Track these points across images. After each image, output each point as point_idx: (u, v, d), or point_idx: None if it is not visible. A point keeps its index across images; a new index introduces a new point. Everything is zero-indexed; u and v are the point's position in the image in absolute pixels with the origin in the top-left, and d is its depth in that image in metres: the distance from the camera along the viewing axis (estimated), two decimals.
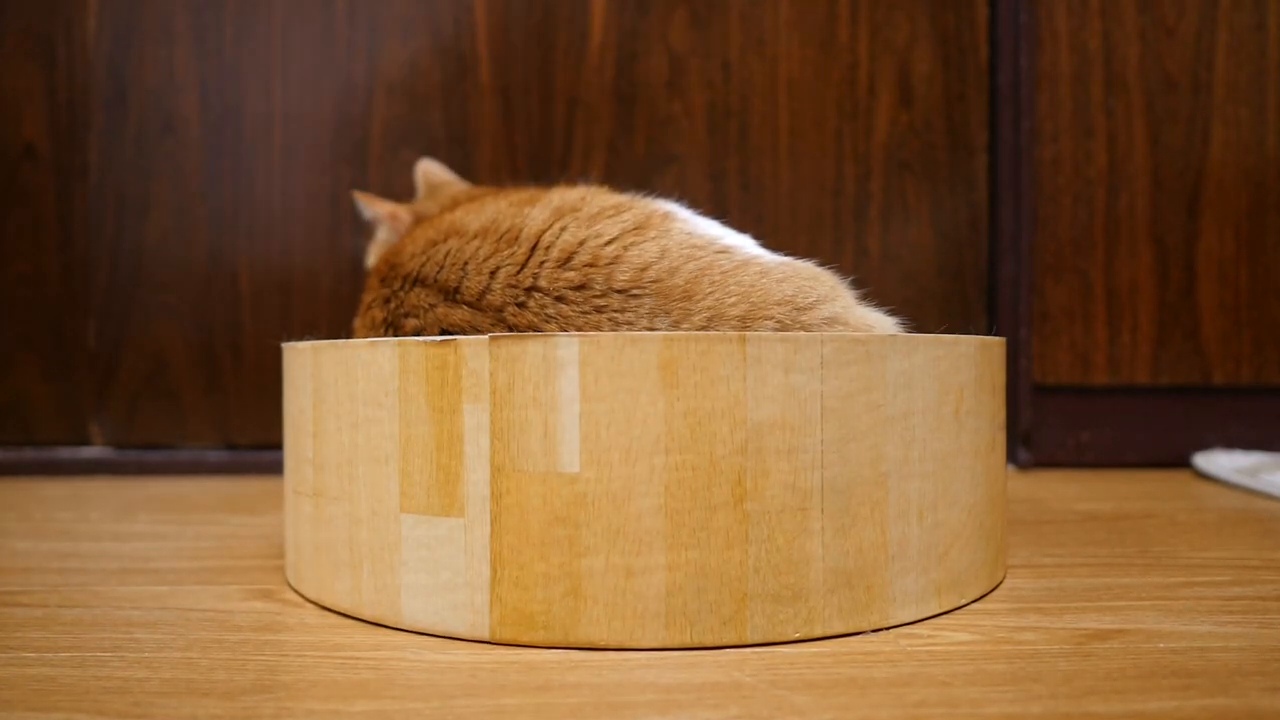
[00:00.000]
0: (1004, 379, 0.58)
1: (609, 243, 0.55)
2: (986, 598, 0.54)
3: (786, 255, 0.59)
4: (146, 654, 0.44)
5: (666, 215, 0.58)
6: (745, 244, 0.59)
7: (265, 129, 1.14)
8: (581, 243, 0.55)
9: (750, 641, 0.45)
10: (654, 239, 0.55)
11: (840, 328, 0.53)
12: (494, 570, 0.45)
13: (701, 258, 0.54)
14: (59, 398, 1.12)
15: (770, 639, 0.45)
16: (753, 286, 0.53)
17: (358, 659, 0.44)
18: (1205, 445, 1.15)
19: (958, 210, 1.18)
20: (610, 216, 0.57)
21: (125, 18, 1.12)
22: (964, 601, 0.52)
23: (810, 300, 0.53)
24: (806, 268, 0.57)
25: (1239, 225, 1.15)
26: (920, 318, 1.15)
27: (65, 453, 1.12)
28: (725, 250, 0.55)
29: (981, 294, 1.19)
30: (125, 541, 0.71)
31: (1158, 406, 1.16)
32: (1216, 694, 0.39)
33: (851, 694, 0.39)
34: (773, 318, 0.52)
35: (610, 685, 0.40)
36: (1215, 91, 1.14)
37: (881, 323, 0.58)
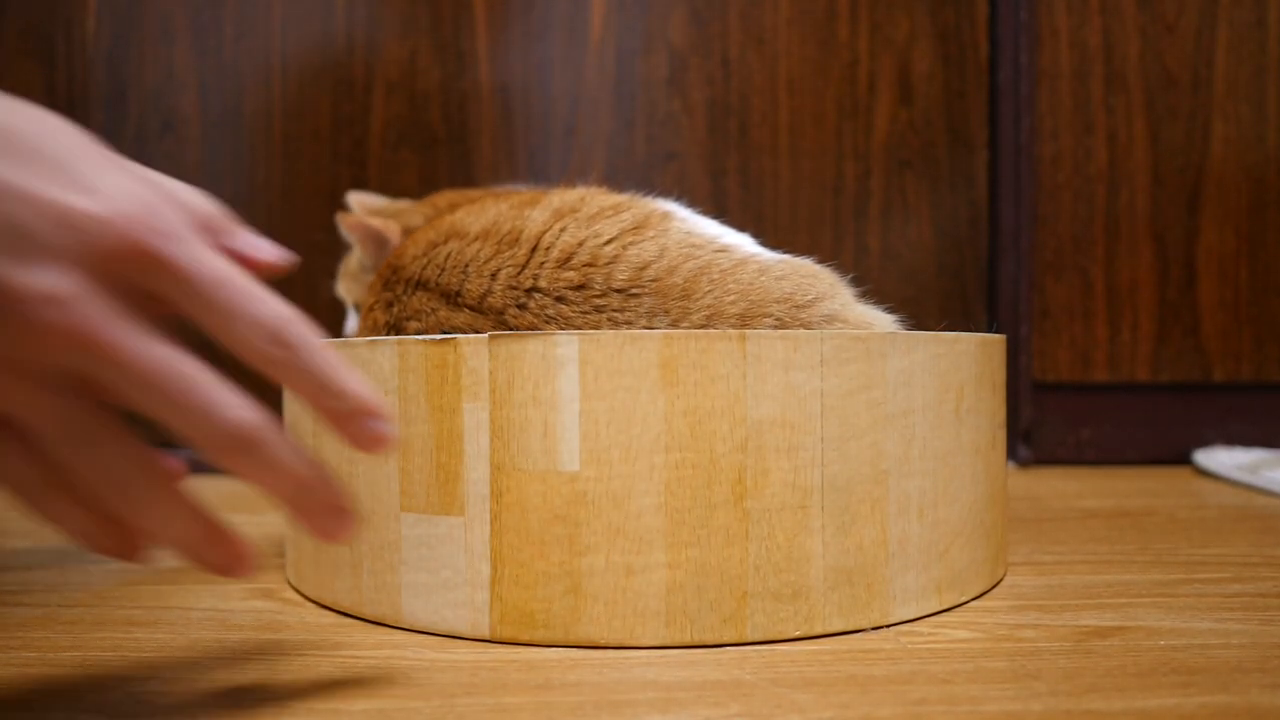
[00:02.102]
0: (1004, 377, 0.58)
1: (608, 242, 0.55)
2: (987, 595, 0.54)
3: (786, 253, 0.59)
4: (146, 654, 0.44)
5: (665, 214, 0.58)
6: (743, 242, 0.59)
7: (265, 128, 1.14)
8: (581, 243, 0.55)
9: (750, 640, 0.45)
10: (653, 238, 0.55)
11: (839, 325, 0.53)
12: (494, 569, 0.45)
13: (700, 256, 0.54)
14: None
15: (770, 637, 0.45)
16: (751, 284, 0.53)
17: (358, 658, 0.44)
18: (1206, 442, 1.15)
19: (958, 208, 1.18)
20: (609, 216, 0.57)
21: (125, 16, 1.12)
22: (965, 599, 0.52)
23: (809, 298, 0.53)
24: (805, 265, 0.57)
25: (1239, 222, 1.15)
26: (920, 315, 1.15)
27: None
28: (724, 249, 0.55)
29: (982, 291, 1.19)
30: None
31: (1158, 403, 1.16)
32: (1217, 691, 0.39)
33: (852, 691, 0.39)
34: (772, 315, 0.52)
35: (611, 683, 0.40)
36: (1215, 88, 1.14)
37: (880, 320, 0.58)
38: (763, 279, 0.53)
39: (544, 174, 1.15)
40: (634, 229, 0.56)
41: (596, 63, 1.16)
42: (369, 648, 0.45)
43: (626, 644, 0.44)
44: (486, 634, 0.45)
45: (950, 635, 0.47)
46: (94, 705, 0.38)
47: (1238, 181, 1.15)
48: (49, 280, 0.28)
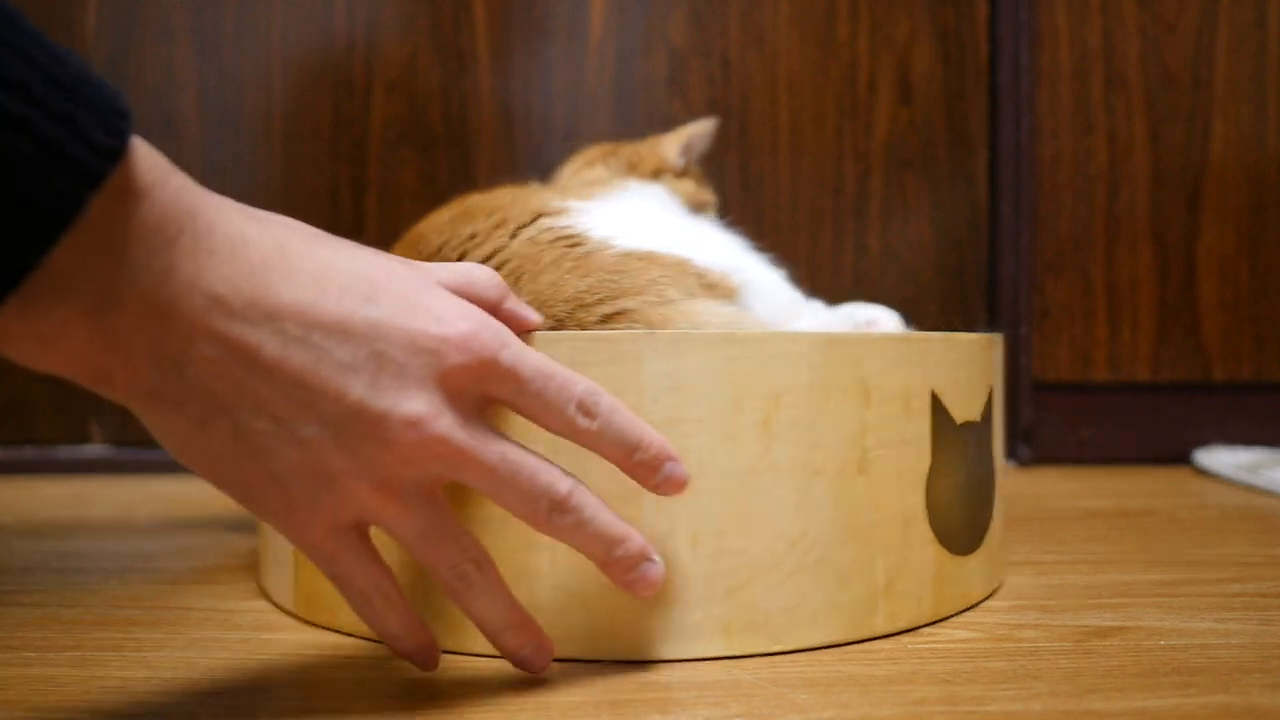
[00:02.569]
0: (915, 382, 0.47)
1: (463, 242, 0.54)
2: (989, 596, 0.54)
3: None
4: (146, 654, 0.44)
5: (537, 212, 0.55)
6: (632, 239, 0.54)
7: (265, 128, 1.14)
8: (442, 245, 0.54)
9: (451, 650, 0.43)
10: (499, 237, 0.53)
11: (627, 325, 0.49)
12: (294, 554, 0.49)
13: (529, 254, 0.52)
14: (58, 396, 1.12)
15: (482, 652, 0.42)
16: (551, 284, 0.50)
17: (357, 658, 0.44)
18: (1206, 442, 1.15)
19: (958, 208, 1.18)
20: (485, 216, 0.55)
21: (125, 16, 1.12)
22: (780, 648, 0.44)
23: (599, 297, 0.50)
24: (633, 260, 0.52)
25: (1239, 222, 1.15)
26: (920, 315, 1.15)
27: (65, 451, 1.12)
28: (575, 244, 0.52)
29: (982, 291, 1.19)
30: (125, 541, 0.71)
31: (1158, 403, 1.16)
32: (1217, 691, 0.39)
33: (852, 691, 0.39)
34: (554, 316, 0.49)
35: (610, 683, 0.40)
36: (1216, 88, 1.14)
37: (733, 323, 0.51)
38: (567, 278, 0.50)
39: (544, 174, 1.15)
40: (495, 226, 0.54)
41: (596, 63, 1.16)
42: (368, 647, 0.45)
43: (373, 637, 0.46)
44: (293, 609, 0.49)
45: (950, 635, 0.47)
46: (94, 705, 0.38)
47: (1238, 181, 1.15)
48: (410, 405, 0.33)
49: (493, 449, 0.36)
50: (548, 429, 0.38)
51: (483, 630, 0.39)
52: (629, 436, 0.38)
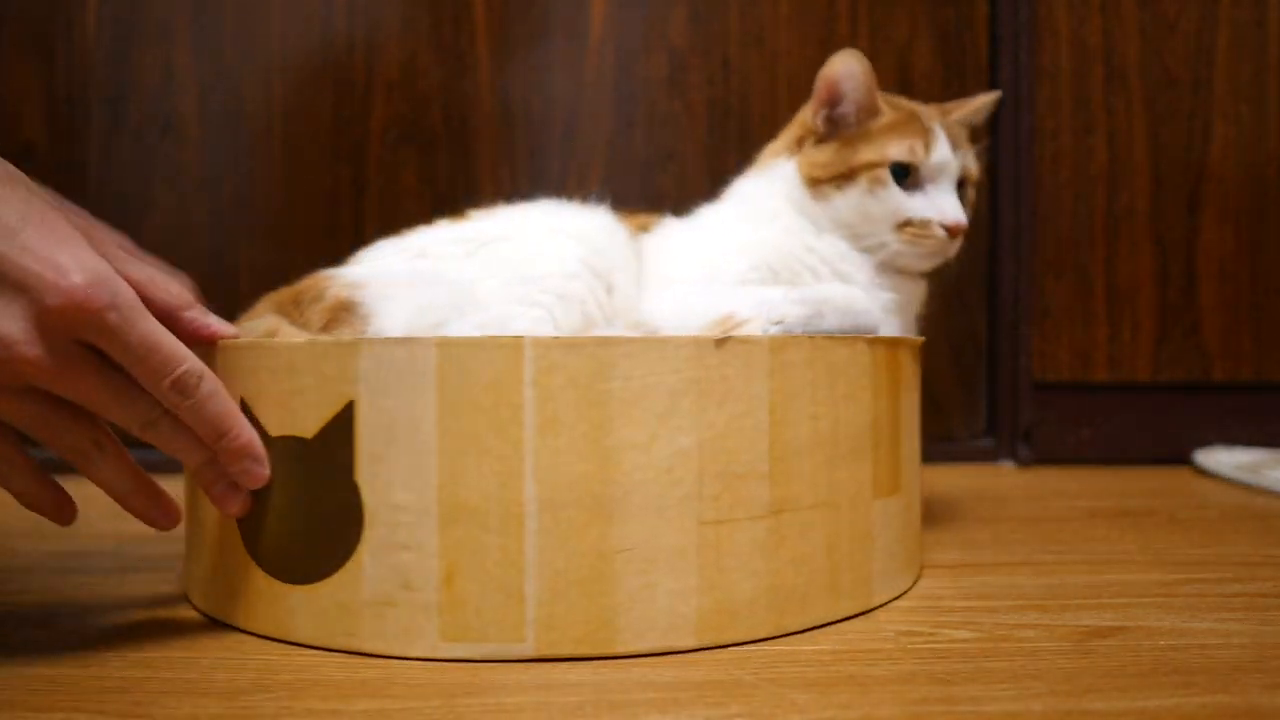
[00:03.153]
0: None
1: None
2: (986, 595, 0.54)
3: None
4: (146, 654, 0.44)
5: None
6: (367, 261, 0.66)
7: (265, 128, 1.13)
8: None
9: None
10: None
11: None
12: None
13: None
14: None
15: None
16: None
17: (358, 658, 0.43)
18: (1206, 442, 1.15)
19: None
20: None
21: (125, 16, 1.12)
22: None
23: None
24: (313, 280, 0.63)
25: (1239, 222, 1.15)
26: (920, 315, 1.15)
27: None
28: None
29: (982, 291, 1.19)
30: (125, 541, 0.71)
31: (1158, 403, 1.16)
32: (1217, 691, 0.39)
33: (852, 691, 0.39)
34: None
35: (611, 683, 0.40)
36: (1216, 88, 1.14)
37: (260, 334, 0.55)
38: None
39: (544, 174, 1.15)
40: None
41: (596, 63, 1.16)
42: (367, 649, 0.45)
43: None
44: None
45: (950, 635, 0.47)
46: (94, 705, 0.38)
47: (1238, 181, 1.15)
48: (3, 327, 0.39)
49: (84, 378, 0.41)
50: (151, 393, 0.43)
51: (111, 496, 0.46)
52: (219, 423, 0.44)
